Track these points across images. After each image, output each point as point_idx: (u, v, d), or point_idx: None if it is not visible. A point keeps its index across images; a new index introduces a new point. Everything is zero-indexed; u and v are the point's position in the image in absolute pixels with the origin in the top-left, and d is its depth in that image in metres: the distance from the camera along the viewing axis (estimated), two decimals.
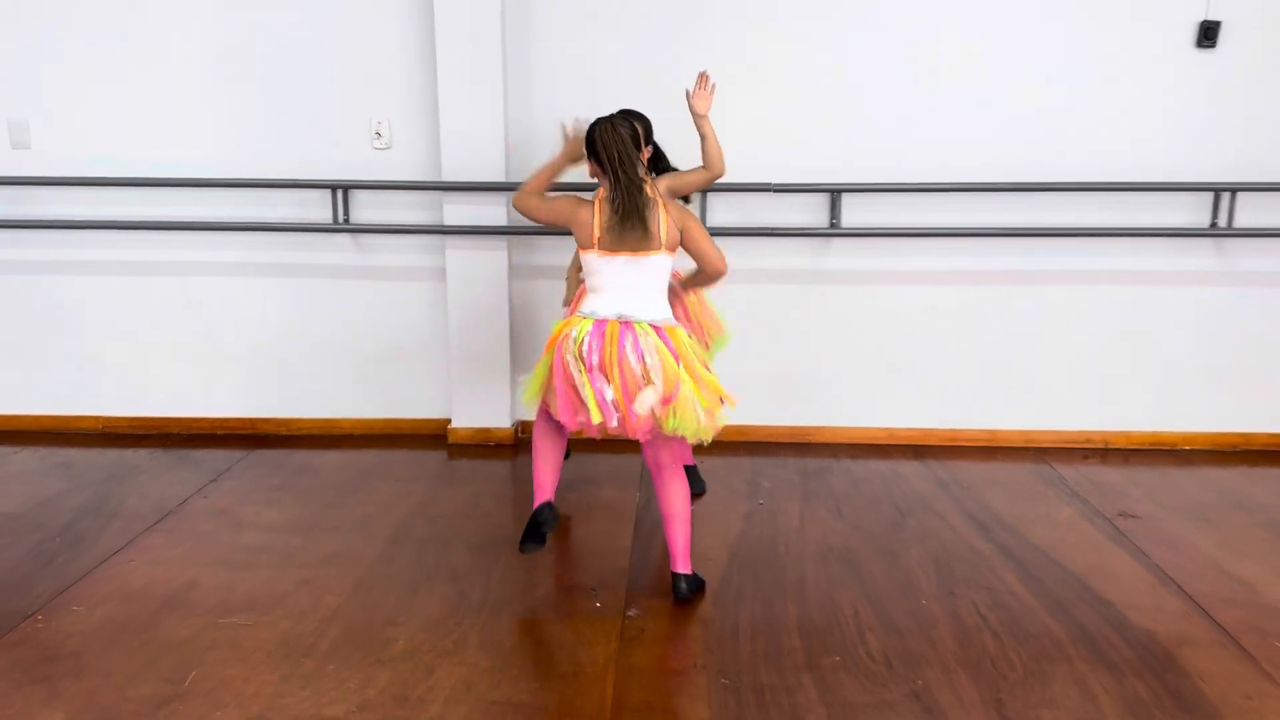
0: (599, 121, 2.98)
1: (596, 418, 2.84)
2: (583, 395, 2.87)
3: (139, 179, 4.43)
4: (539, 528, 3.09)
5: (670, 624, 2.93)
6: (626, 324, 2.88)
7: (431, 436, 4.67)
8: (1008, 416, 4.59)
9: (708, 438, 2.94)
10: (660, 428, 2.87)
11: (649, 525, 3.65)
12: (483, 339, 4.50)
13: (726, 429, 4.52)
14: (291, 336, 4.63)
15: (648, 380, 2.81)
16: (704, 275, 3.08)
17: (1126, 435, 4.58)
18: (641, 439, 2.92)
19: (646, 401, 2.79)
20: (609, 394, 2.83)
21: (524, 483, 4.12)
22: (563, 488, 3.61)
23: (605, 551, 3.44)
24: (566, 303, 3.76)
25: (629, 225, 2.87)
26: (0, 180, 4.46)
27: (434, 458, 4.44)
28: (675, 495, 3.04)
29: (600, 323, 2.90)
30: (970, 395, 4.58)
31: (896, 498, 3.96)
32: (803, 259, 4.50)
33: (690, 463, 3.91)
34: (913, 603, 3.06)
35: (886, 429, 4.62)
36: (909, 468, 4.33)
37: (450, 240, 4.42)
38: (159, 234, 4.53)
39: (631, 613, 2.99)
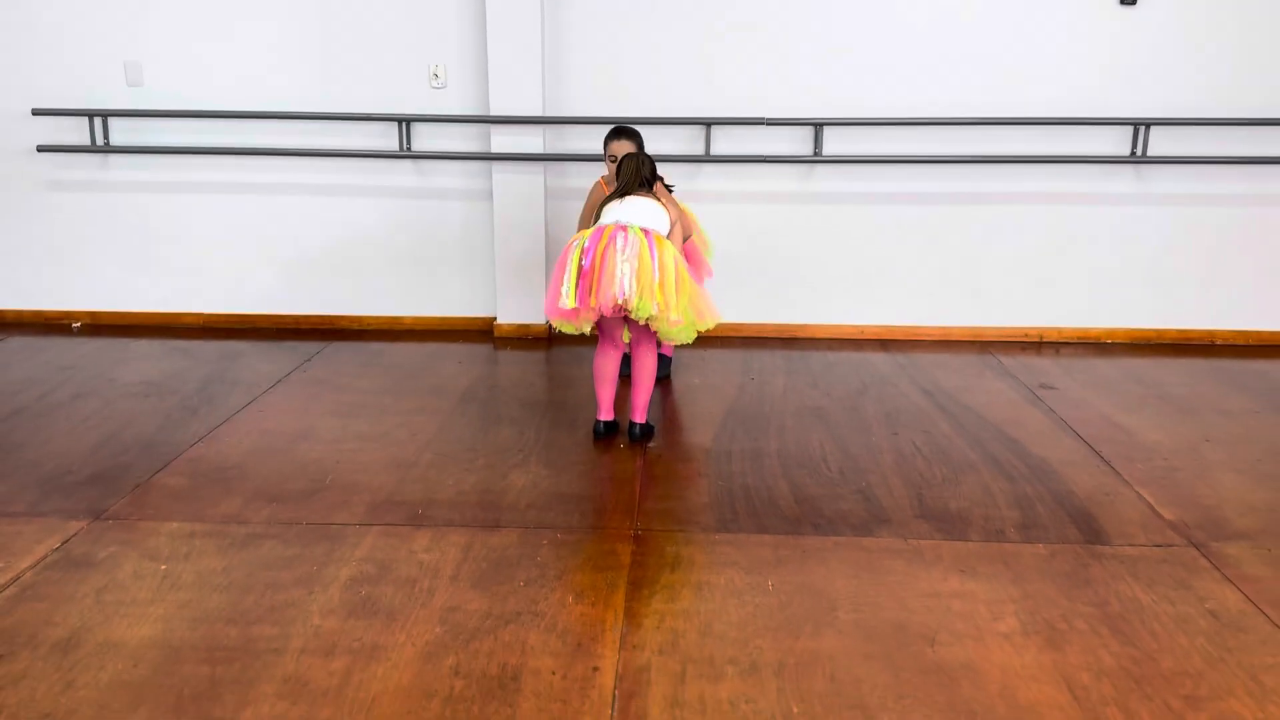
0: (629, 157, 3.90)
1: (570, 301, 3.59)
2: (565, 280, 3.62)
3: (236, 112, 5.31)
4: (598, 435, 3.98)
5: (681, 452, 3.87)
6: (621, 227, 3.68)
7: (480, 331, 5.61)
8: (959, 315, 5.51)
9: (681, 338, 3.71)
10: (630, 309, 3.57)
11: (666, 393, 4.57)
12: (522, 248, 5.39)
13: (724, 326, 5.47)
14: (362, 246, 5.53)
15: (626, 260, 3.56)
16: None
17: (1058, 330, 5.50)
18: (618, 315, 3.68)
19: (622, 272, 3.53)
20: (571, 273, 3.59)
21: (559, 365, 5.07)
22: None
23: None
24: None
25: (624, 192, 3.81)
26: (119, 113, 5.33)
27: (484, 348, 5.36)
28: (644, 363, 3.89)
29: (599, 229, 3.72)
30: (928, 297, 5.50)
31: (863, 375, 4.89)
32: (790, 182, 5.38)
33: (668, 353, 4.77)
34: (865, 439, 3.99)
35: (858, 325, 5.55)
36: (876, 356, 5.25)
37: (496, 165, 5.31)
38: (251, 159, 5.42)
39: (652, 445, 3.92)
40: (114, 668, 2.41)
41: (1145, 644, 2.55)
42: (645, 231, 3.67)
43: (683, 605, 2.72)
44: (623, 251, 3.58)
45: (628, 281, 3.55)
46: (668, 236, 3.79)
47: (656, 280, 3.58)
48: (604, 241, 3.63)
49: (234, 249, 5.56)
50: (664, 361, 4.76)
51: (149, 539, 3.08)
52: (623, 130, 4.25)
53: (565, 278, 3.64)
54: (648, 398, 3.96)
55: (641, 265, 3.58)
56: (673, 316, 3.61)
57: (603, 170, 4.57)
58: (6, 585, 2.78)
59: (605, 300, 3.56)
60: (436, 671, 2.40)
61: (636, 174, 3.87)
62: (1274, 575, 2.93)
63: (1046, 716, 2.27)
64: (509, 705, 2.28)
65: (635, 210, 3.77)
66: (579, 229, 4.30)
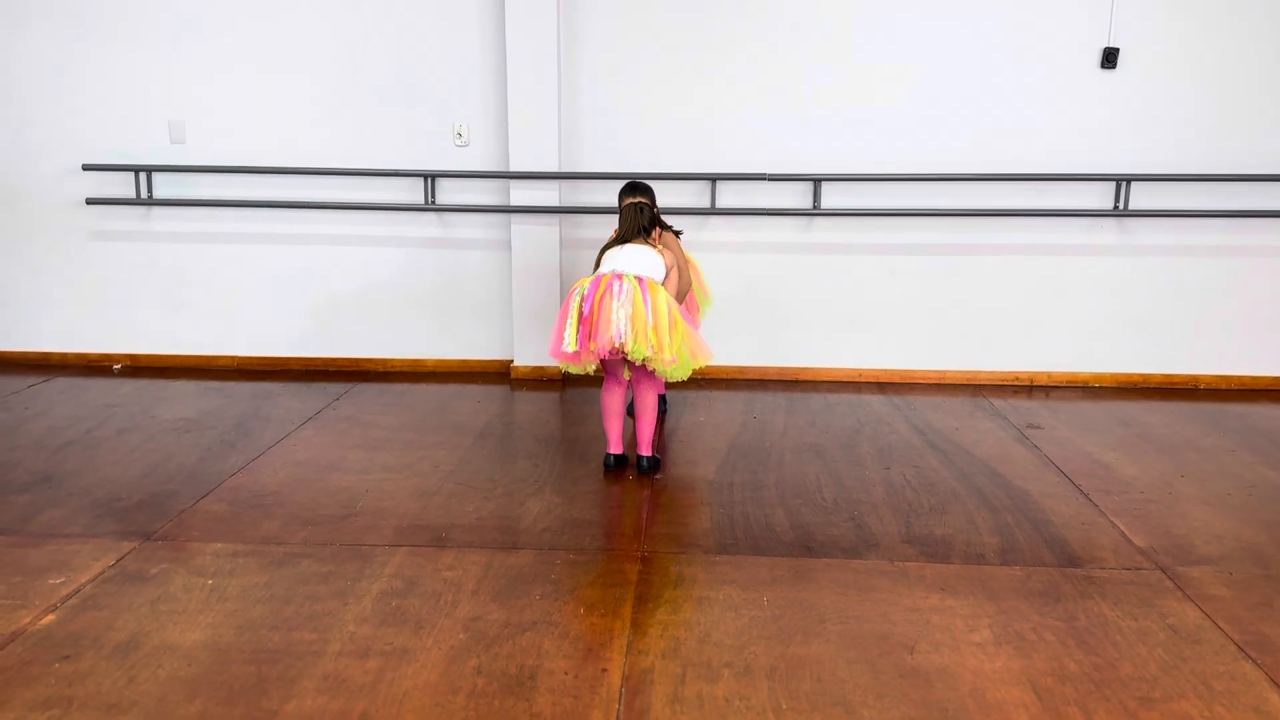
0: (629, 206, 4.22)
1: (572, 346, 3.90)
2: (567, 327, 3.92)
3: (272, 168, 5.67)
4: (608, 467, 4.26)
5: (685, 483, 4.13)
6: (617, 275, 3.98)
7: (498, 373, 5.91)
8: (953, 359, 5.79)
9: (676, 375, 4.01)
10: (626, 351, 3.85)
11: (671, 430, 4.85)
12: (538, 295, 5.71)
13: (728, 369, 5.76)
14: (388, 293, 5.87)
15: (621, 306, 3.85)
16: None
17: (1048, 374, 5.77)
18: (617, 356, 3.96)
19: (618, 317, 3.81)
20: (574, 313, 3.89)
21: (572, 404, 5.35)
22: None
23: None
24: None
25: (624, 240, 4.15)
26: (162, 168, 5.71)
27: (501, 389, 5.66)
28: (646, 399, 4.18)
29: (597, 278, 4.02)
30: (923, 342, 5.78)
31: (859, 415, 5.16)
32: (791, 234, 5.70)
33: (662, 392, 5.02)
34: (859, 473, 4.26)
35: (856, 369, 5.83)
36: (872, 397, 5.52)
37: (514, 217, 5.65)
38: (286, 211, 5.78)
39: (658, 477, 4.20)
40: (170, 666, 2.68)
41: (1107, 653, 2.79)
42: (639, 279, 3.96)
43: (684, 617, 2.97)
44: (618, 298, 3.88)
45: (623, 325, 3.84)
46: (664, 281, 4.09)
47: (650, 324, 3.86)
48: (601, 289, 3.92)
49: (267, 295, 5.90)
50: (659, 400, 5.04)
51: (196, 557, 3.36)
52: (637, 186, 4.45)
53: (567, 323, 3.95)
54: (652, 432, 4.24)
55: (635, 310, 3.86)
56: (666, 357, 3.89)
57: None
58: (69, 596, 3.06)
59: (603, 343, 3.86)
60: (461, 671, 2.66)
61: (634, 222, 4.19)
62: (1233, 595, 3.17)
63: (1012, 715, 2.51)
64: (526, 700, 2.53)
65: (631, 258, 4.07)
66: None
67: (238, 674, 2.64)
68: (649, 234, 4.22)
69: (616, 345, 3.85)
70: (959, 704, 2.54)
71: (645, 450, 4.22)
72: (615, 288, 3.91)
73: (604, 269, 4.07)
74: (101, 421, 4.89)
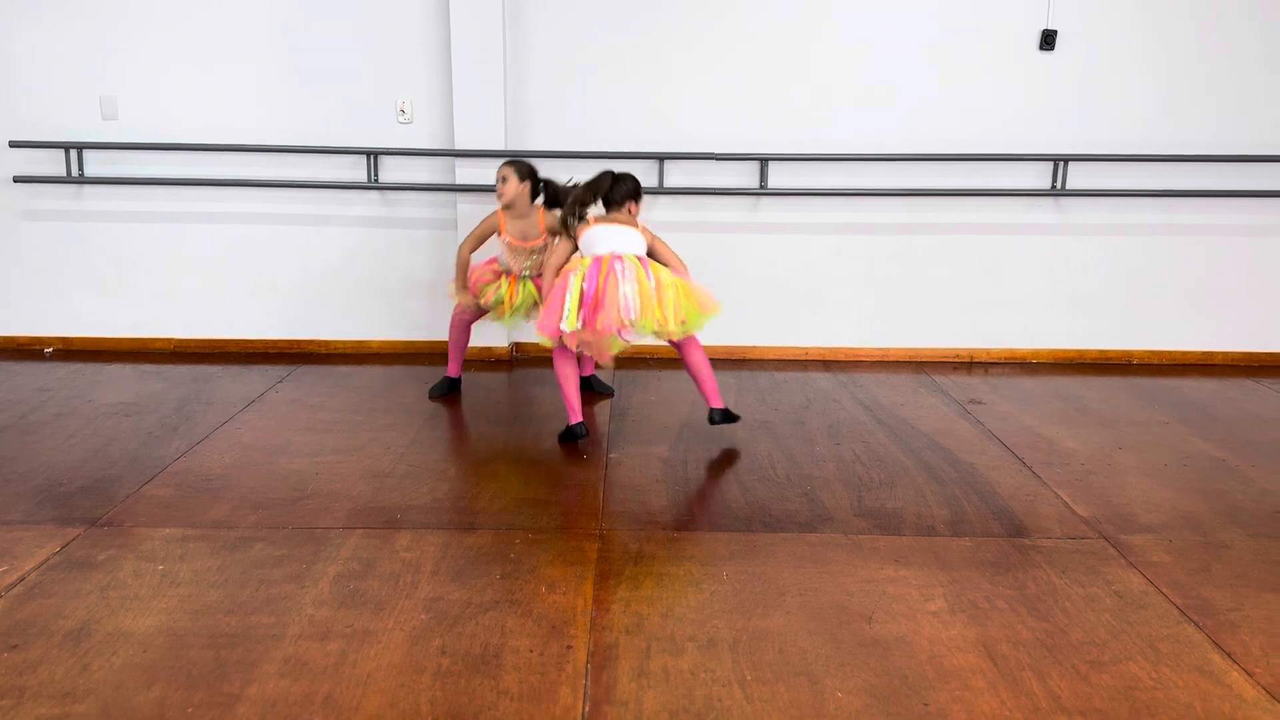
0: (594, 183, 4.29)
1: (571, 324, 3.97)
2: (566, 305, 4.01)
3: (208, 144, 5.53)
4: (573, 438, 4.27)
5: (640, 461, 4.14)
6: (617, 256, 4.08)
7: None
8: (896, 337, 5.88)
9: (694, 328, 4.14)
10: (635, 328, 3.99)
11: (622, 410, 4.86)
12: None
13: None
14: (331, 273, 5.77)
15: (627, 284, 3.99)
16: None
17: (987, 351, 5.89)
18: (616, 334, 4.02)
19: (625, 294, 3.95)
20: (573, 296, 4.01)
21: (521, 385, 5.32)
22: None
23: (591, 427, 4.64)
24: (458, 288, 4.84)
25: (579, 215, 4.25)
26: (94, 145, 5.53)
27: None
28: (694, 358, 4.25)
29: (598, 259, 4.08)
30: (867, 320, 5.86)
31: (807, 392, 5.21)
32: (738, 213, 5.73)
33: (589, 373, 5.09)
34: (810, 449, 4.31)
35: (803, 347, 5.89)
36: (819, 375, 5.59)
37: (460, 196, 5.58)
38: (224, 190, 5.65)
39: (612, 455, 4.20)
40: (125, 653, 2.62)
41: (1058, 619, 2.87)
42: (640, 259, 4.11)
43: (646, 593, 2.99)
44: (624, 278, 4.01)
45: (632, 303, 3.97)
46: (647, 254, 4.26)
47: (655, 301, 4.01)
48: (604, 270, 4.03)
49: (205, 276, 5.76)
50: (601, 384, 5.09)
51: (144, 543, 3.28)
52: (620, 177, 4.36)
53: (566, 302, 4.02)
54: (713, 383, 4.33)
55: (641, 288, 4.00)
56: (672, 327, 4.04)
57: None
58: (13, 585, 2.97)
59: (610, 321, 3.95)
60: (425, 651, 2.65)
61: (604, 192, 4.30)
62: (1173, 561, 3.28)
63: (970, 680, 2.57)
64: (493, 678, 2.53)
65: (623, 239, 4.16)
66: (470, 248, 4.75)
67: (196, 659, 2.60)
68: (622, 205, 4.31)
69: (626, 322, 3.96)
70: (918, 671, 2.59)
71: (717, 402, 4.32)
72: (619, 269, 4.02)
73: (599, 250, 4.12)
74: (36, 406, 4.75)
